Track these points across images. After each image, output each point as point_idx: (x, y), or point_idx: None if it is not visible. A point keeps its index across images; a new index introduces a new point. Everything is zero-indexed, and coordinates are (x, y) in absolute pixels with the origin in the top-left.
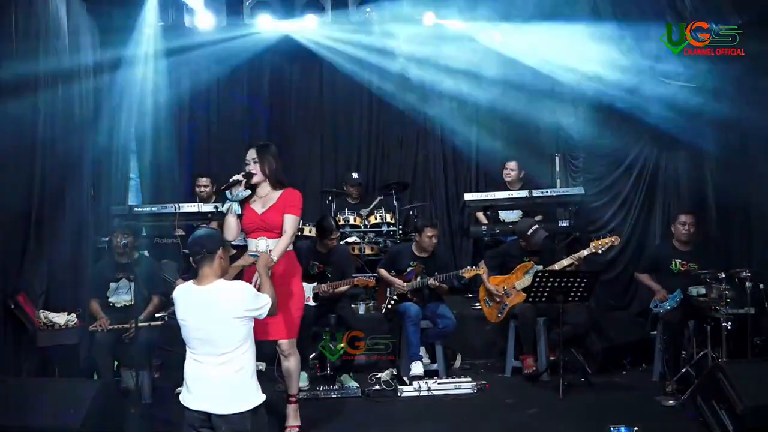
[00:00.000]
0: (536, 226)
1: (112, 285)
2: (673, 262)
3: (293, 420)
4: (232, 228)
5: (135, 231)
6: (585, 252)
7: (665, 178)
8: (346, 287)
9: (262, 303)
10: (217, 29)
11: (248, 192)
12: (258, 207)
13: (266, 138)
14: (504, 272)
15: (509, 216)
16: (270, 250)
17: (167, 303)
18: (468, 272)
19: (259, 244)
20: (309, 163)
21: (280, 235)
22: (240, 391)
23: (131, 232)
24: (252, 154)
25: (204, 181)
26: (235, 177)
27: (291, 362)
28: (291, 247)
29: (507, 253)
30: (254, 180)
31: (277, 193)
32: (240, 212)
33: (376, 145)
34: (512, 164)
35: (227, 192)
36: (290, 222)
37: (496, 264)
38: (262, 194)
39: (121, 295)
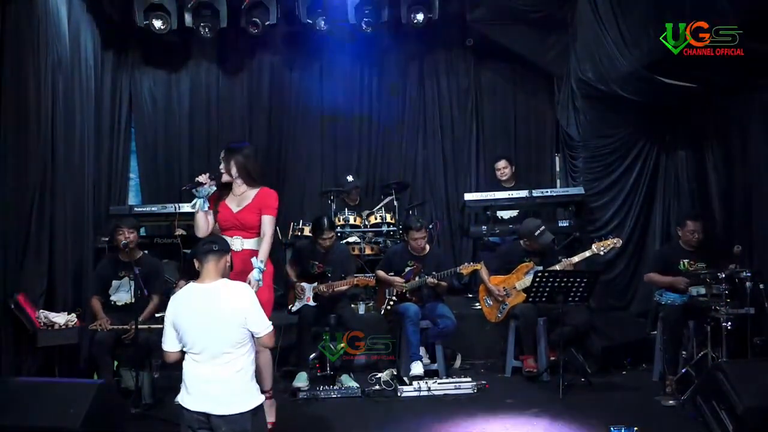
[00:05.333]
0: (543, 227)
1: (114, 283)
2: (682, 262)
3: (270, 416)
4: (201, 226)
5: (137, 228)
6: (587, 253)
7: (665, 178)
8: (346, 287)
9: (264, 326)
10: (217, 30)
11: (213, 188)
12: (233, 205)
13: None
14: (504, 272)
15: (506, 213)
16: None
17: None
18: (465, 268)
19: (234, 243)
20: (309, 163)
21: (255, 234)
22: (240, 392)
23: (134, 228)
24: (221, 154)
25: (203, 178)
26: (198, 178)
27: (266, 355)
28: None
29: (507, 253)
30: (223, 179)
31: (253, 192)
32: (206, 209)
33: (376, 145)
34: (501, 163)
35: (193, 190)
36: (268, 223)
37: (496, 265)
38: (237, 192)
39: (122, 294)
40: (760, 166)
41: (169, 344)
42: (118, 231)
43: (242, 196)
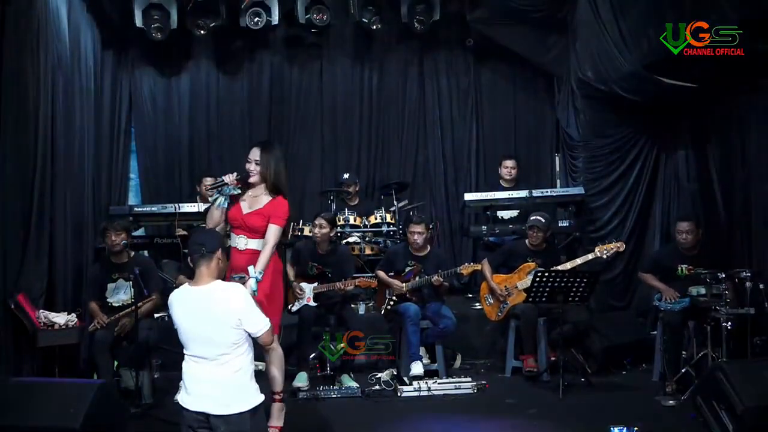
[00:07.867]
0: (538, 217)
1: (110, 286)
2: (679, 268)
3: (276, 420)
4: (215, 219)
5: (127, 229)
6: (590, 256)
7: (665, 178)
8: (346, 288)
9: (260, 325)
10: (216, 29)
11: (239, 191)
12: (245, 206)
13: (266, 138)
14: (507, 270)
15: (506, 213)
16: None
17: (167, 302)
18: (465, 269)
19: (239, 242)
20: (309, 163)
21: (261, 235)
22: (239, 391)
23: (123, 230)
24: (255, 154)
25: (210, 181)
26: (225, 177)
27: (277, 356)
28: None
29: (512, 250)
30: (250, 180)
31: (267, 199)
32: (226, 206)
33: (376, 145)
34: (510, 162)
35: (217, 190)
36: (273, 232)
37: (499, 262)
38: (253, 194)
39: (119, 295)
40: (760, 166)
41: None
42: (106, 233)
43: (256, 199)
